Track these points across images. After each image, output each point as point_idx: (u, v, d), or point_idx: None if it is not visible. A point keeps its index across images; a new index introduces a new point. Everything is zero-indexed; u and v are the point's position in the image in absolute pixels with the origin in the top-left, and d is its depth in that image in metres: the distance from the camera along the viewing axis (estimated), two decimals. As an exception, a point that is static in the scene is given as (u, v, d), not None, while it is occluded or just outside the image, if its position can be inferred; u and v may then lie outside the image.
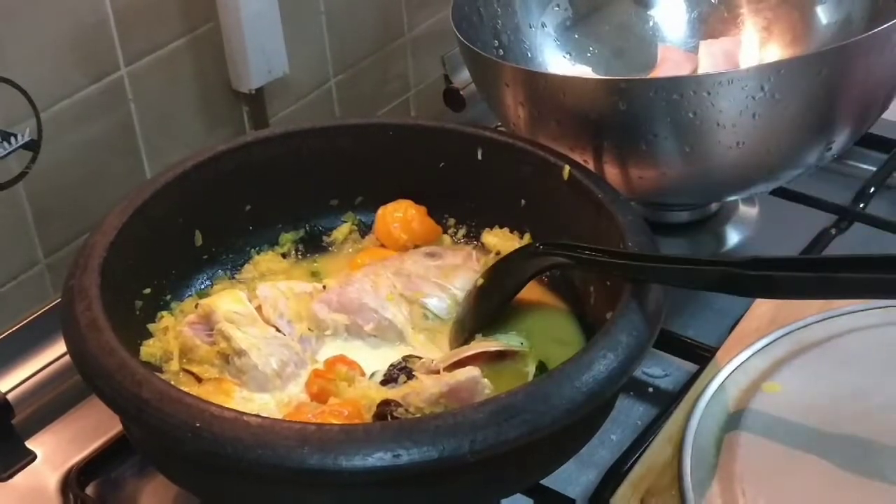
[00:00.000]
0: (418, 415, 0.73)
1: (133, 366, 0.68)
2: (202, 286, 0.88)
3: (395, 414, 0.73)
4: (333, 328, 0.84)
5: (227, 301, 0.81)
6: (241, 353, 0.78)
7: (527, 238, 0.90)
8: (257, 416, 0.65)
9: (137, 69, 0.98)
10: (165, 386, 0.67)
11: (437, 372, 0.77)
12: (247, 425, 0.64)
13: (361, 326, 0.84)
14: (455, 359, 0.79)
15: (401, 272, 0.87)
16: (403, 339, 0.84)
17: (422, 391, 0.75)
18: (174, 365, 0.80)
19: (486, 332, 0.83)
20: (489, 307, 0.83)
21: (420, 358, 0.81)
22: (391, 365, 0.80)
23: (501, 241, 0.90)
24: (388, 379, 0.79)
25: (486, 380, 0.76)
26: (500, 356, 0.81)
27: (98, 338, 0.70)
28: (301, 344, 0.82)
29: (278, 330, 0.81)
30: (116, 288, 0.76)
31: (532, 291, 0.86)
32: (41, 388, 0.89)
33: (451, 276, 0.87)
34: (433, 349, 0.84)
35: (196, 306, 0.83)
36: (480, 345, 0.81)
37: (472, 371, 0.76)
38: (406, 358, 0.81)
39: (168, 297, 0.85)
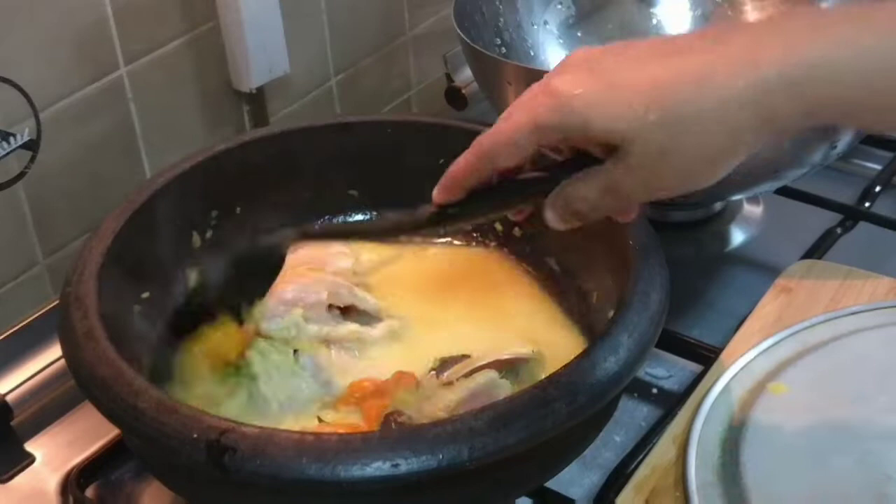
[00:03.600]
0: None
1: (130, 376, 0.68)
2: (202, 288, 0.87)
3: (398, 421, 0.73)
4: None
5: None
6: (253, 376, 0.78)
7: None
8: (255, 426, 0.65)
9: (137, 68, 0.98)
10: (162, 396, 0.67)
11: (451, 383, 0.77)
12: (244, 435, 0.63)
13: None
14: (466, 370, 0.78)
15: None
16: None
17: (439, 400, 0.74)
18: None
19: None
20: None
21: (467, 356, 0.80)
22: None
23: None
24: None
25: (504, 380, 0.76)
26: (511, 364, 0.80)
27: (94, 347, 0.70)
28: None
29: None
30: (114, 293, 0.76)
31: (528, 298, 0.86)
32: (40, 390, 0.89)
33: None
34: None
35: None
36: (492, 354, 0.80)
37: (488, 373, 0.76)
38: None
39: (167, 301, 0.84)
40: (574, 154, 0.65)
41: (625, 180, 0.63)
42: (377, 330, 0.83)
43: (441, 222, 0.71)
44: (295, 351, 0.80)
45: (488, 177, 0.67)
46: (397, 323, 0.84)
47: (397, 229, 0.78)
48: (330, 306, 0.82)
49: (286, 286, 0.82)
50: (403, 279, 0.88)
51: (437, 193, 0.69)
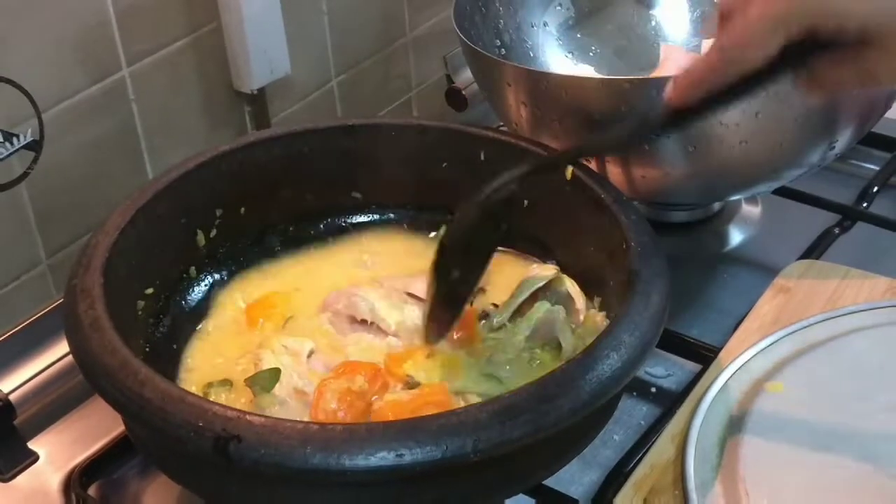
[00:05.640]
0: (507, 365, 0.78)
1: (135, 365, 0.68)
2: (205, 287, 0.88)
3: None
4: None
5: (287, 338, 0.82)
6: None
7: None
8: (260, 415, 0.65)
9: (139, 69, 0.98)
10: (168, 385, 0.67)
11: (503, 326, 0.80)
12: (249, 424, 0.64)
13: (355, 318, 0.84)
14: (511, 309, 0.81)
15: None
16: (375, 314, 0.84)
17: (507, 343, 0.78)
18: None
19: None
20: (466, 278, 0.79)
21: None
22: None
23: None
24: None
25: (558, 306, 0.79)
26: (548, 288, 0.83)
27: (101, 337, 0.70)
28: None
29: None
30: (119, 288, 0.76)
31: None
32: (43, 389, 0.89)
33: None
34: None
35: None
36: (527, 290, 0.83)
37: (543, 305, 0.79)
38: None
39: (170, 297, 0.85)
40: (810, 37, 0.61)
41: (881, 66, 0.61)
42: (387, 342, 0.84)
43: (677, 125, 0.69)
44: (310, 354, 0.81)
45: (731, 81, 0.63)
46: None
47: (634, 138, 0.77)
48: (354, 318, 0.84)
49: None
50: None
51: (673, 97, 0.65)
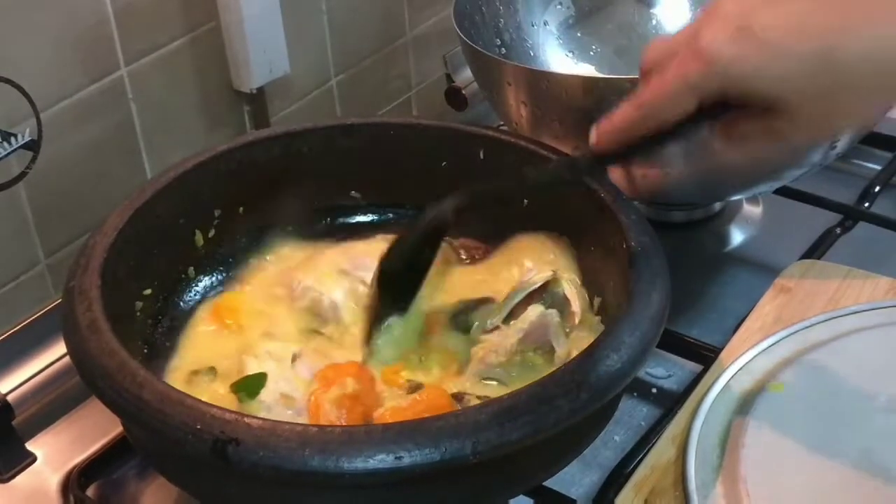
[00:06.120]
0: (499, 368, 0.77)
1: (133, 367, 0.68)
2: (204, 287, 0.88)
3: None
4: None
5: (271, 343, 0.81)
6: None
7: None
8: (258, 417, 0.65)
9: (138, 69, 0.98)
10: (166, 387, 0.67)
11: (497, 328, 0.80)
12: (248, 427, 0.63)
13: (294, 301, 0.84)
14: (506, 311, 0.80)
15: (348, 252, 0.88)
16: (337, 313, 0.83)
17: (499, 346, 0.77)
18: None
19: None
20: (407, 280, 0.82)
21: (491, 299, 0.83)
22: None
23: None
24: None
25: (552, 310, 0.78)
26: (544, 290, 0.82)
27: (98, 339, 0.70)
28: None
29: None
30: (117, 289, 0.76)
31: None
32: (42, 389, 0.89)
33: None
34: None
35: None
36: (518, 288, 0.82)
37: (537, 308, 0.78)
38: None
39: (169, 298, 0.85)
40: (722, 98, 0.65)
41: (788, 128, 0.64)
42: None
43: (597, 170, 0.73)
44: (294, 359, 0.80)
45: (648, 132, 0.68)
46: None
47: (557, 182, 0.79)
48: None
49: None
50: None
51: (597, 144, 0.69)
